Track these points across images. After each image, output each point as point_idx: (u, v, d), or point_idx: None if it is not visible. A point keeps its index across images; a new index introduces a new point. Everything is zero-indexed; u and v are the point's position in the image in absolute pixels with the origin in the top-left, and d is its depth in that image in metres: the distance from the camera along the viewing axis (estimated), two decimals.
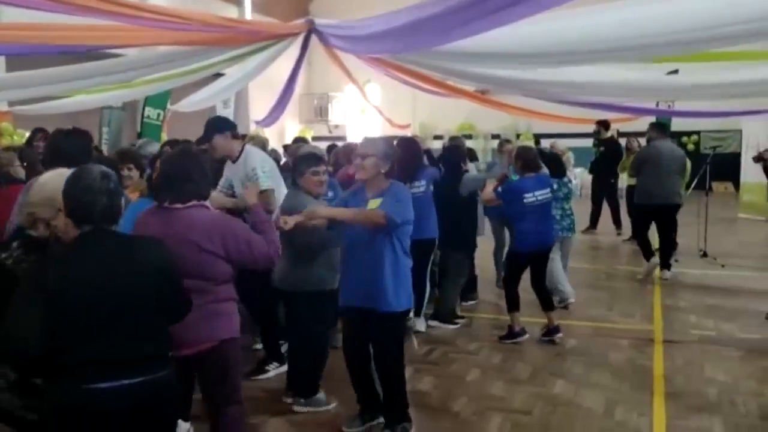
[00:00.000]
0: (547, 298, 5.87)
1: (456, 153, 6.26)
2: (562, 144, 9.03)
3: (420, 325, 5.87)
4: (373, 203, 3.60)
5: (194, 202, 2.97)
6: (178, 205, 2.94)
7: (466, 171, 6.22)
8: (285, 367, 4.64)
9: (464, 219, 6.08)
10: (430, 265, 5.83)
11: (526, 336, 5.65)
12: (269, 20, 20.36)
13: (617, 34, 3.73)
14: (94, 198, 2.33)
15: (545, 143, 21.11)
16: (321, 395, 4.34)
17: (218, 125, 4.58)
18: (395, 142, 4.94)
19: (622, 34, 3.74)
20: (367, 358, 3.87)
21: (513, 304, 5.69)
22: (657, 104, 9.39)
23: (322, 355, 4.36)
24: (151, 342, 2.39)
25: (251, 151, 4.74)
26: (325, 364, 4.39)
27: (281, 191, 4.64)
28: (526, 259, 5.72)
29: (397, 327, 3.80)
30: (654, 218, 8.10)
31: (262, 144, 6.45)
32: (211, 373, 3.08)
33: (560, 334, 5.64)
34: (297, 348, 4.41)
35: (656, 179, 7.88)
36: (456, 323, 6.15)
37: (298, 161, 4.31)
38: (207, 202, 3.07)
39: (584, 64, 4.83)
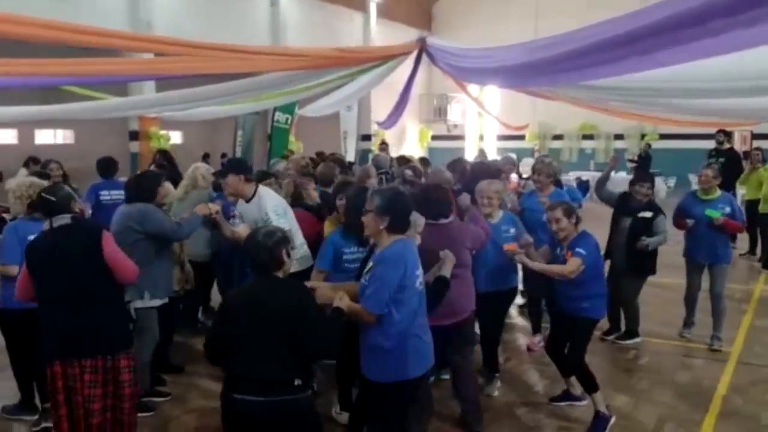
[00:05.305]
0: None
1: None
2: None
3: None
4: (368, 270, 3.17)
5: (451, 218, 4.23)
6: (443, 220, 4.15)
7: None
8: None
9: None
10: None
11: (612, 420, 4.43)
12: (393, 24, 21.03)
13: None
14: (257, 253, 2.97)
15: (671, 144, 20.17)
16: None
17: (236, 167, 4.90)
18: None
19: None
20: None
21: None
22: None
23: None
24: (278, 368, 2.87)
25: (264, 194, 4.81)
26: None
27: (296, 229, 4.82)
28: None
29: (383, 400, 3.24)
30: None
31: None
32: (464, 338, 4.25)
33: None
34: None
35: None
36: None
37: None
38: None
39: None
